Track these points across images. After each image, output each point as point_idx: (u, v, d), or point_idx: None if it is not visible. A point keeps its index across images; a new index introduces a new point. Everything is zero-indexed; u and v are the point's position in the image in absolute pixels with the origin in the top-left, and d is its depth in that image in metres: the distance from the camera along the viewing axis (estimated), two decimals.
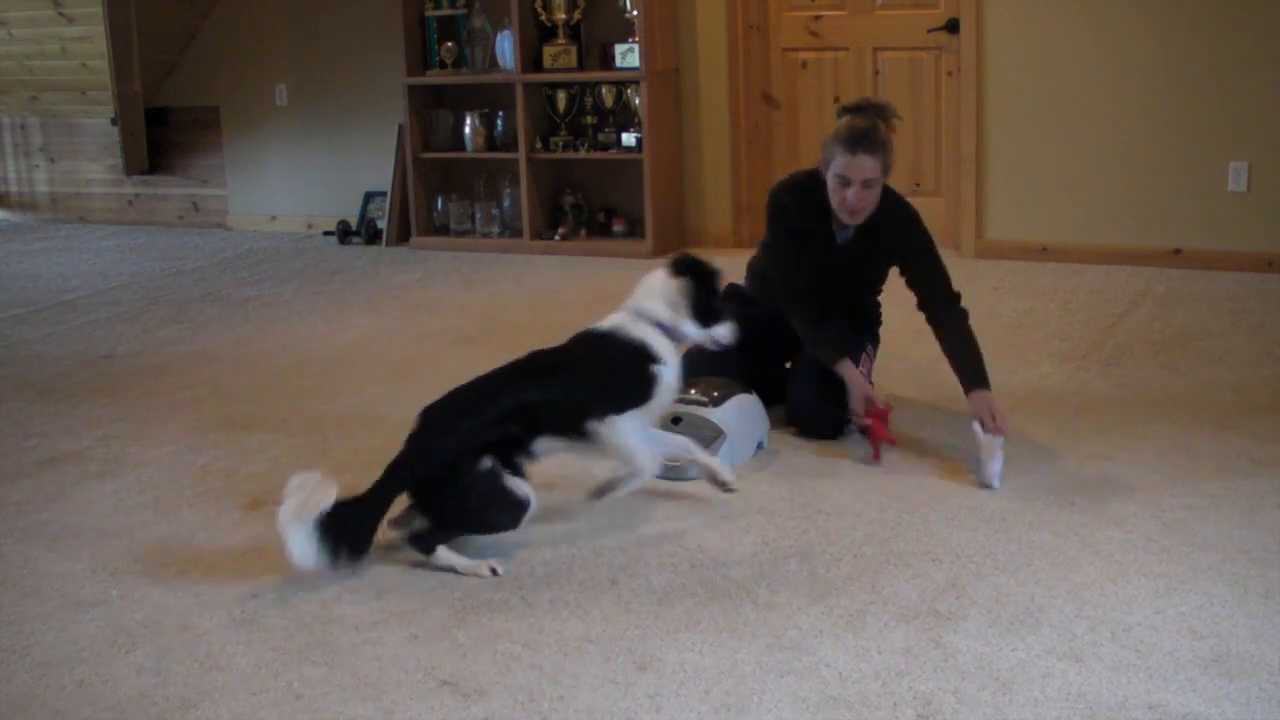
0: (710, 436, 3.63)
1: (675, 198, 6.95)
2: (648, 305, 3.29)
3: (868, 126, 3.66)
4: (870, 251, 3.88)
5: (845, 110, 3.76)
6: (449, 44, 7.11)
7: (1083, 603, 2.81)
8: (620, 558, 3.13)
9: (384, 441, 4.05)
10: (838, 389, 3.85)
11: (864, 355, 3.99)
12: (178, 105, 8.31)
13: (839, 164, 3.66)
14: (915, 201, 4.01)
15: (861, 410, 3.74)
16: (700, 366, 3.97)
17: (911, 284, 3.88)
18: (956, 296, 3.84)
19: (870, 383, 3.95)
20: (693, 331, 3.33)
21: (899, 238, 3.85)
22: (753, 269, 4.25)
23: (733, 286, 4.18)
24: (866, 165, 3.64)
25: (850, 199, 3.68)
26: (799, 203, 3.87)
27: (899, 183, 4.10)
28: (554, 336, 5.38)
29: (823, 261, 3.89)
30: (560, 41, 6.89)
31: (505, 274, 6.53)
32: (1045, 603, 2.81)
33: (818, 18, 6.65)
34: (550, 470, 3.75)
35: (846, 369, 3.80)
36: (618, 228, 7.01)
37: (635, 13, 6.63)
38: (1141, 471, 3.55)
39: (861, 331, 4.07)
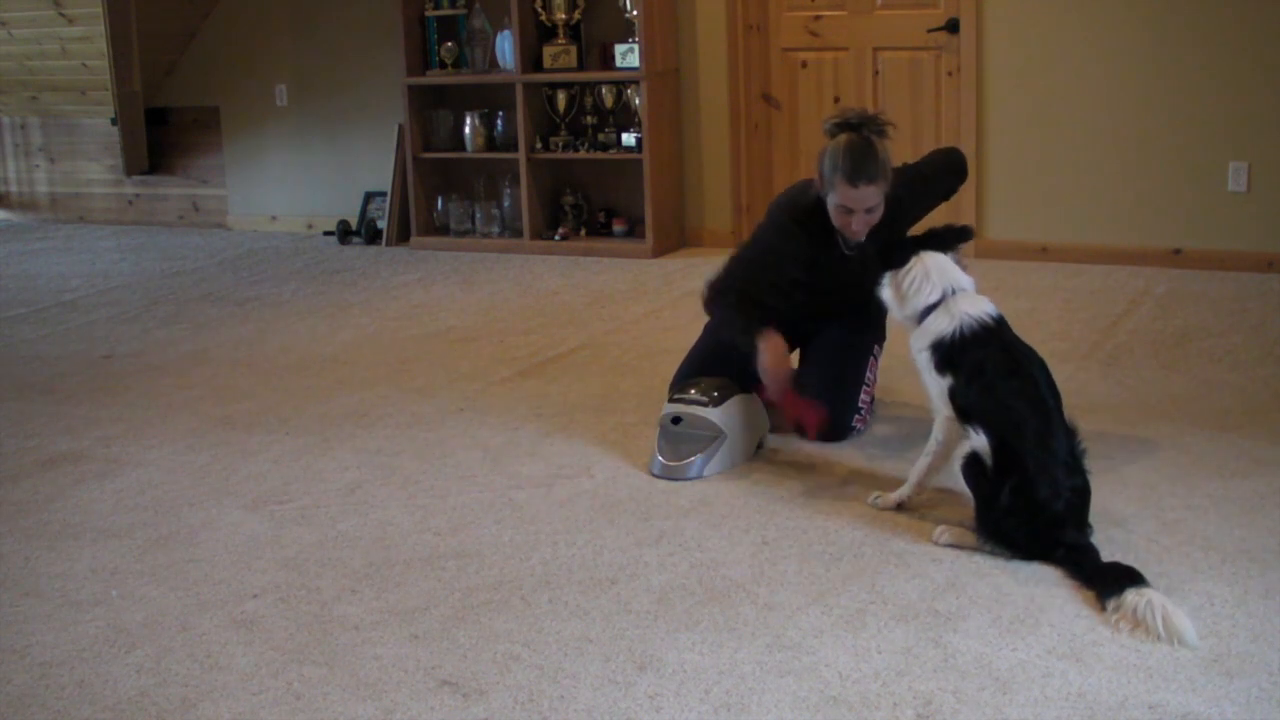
0: (710, 436, 3.64)
1: (675, 198, 6.94)
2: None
3: (865, 148, 3.53)
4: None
5: (837, 127, 3.60)
6: (449, 44, 7.11)
7: (1083, 603, 2.80)
8: (620, 557, 3.13)
9: (384, 441, 4.07)
10: (839, 389, 3.87)
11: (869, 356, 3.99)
12: (178, 105, 8.31)
13: (841, 194, 3.57)
14: None
15: (776, 390, 3.69)
16: (701, 367, 3.98)
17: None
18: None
19: (874, 380, 3.99)
20: None
21: (900, 217, 3.78)
22: None
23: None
24: (869, 195, 3.54)
25: (855, 225, 3.63)
26: (806, 230, 3.76)
27: None
28: (554, 336, 5.43)
29: (836, 274, 3.83)
30: (560, 41, 6.89)
31: (505, 274, 6.52)
32: (1045, 603, 2.81)
33: (818, 18, 6.65)
34: (550, 469, 3.76)
35: (767, 343, 3.69)
36: (618, 228, 7.01)
37: (635, 13, 6.63)
38: (1141, 471, 3.55)
39: (866, 329, 4.06)
